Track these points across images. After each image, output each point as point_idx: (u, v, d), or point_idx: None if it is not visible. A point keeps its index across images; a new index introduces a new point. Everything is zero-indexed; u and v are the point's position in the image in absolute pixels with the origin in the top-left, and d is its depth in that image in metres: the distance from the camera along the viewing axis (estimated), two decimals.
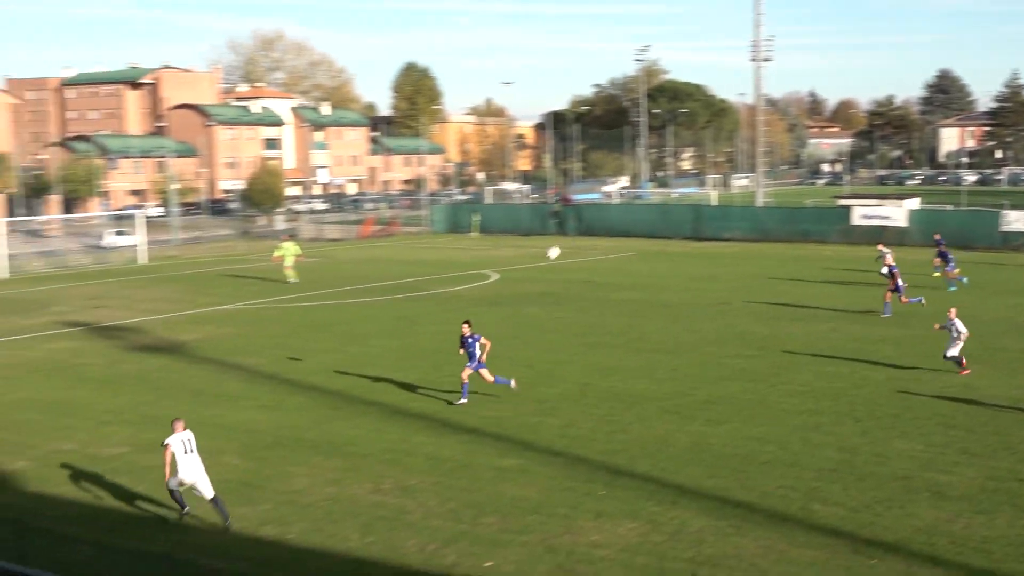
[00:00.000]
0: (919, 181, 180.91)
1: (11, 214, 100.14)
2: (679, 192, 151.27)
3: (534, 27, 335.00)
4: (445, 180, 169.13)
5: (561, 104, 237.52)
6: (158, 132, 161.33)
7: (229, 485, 20.67)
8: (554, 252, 23.34)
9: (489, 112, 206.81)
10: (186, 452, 18.82)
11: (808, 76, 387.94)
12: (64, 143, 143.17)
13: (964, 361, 29.41)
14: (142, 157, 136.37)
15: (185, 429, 19.21)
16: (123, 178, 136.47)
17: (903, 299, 40.00)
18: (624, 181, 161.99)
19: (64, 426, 25.76)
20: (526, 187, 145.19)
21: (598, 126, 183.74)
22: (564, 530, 17.97)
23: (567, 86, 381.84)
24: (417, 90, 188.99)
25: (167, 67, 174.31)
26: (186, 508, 19.04)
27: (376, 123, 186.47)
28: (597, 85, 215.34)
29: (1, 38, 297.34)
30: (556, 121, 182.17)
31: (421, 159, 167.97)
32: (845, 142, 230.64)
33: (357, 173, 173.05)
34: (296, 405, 27.34)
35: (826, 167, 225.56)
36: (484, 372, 27.16)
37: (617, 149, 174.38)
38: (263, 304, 47.17)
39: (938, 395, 26.98)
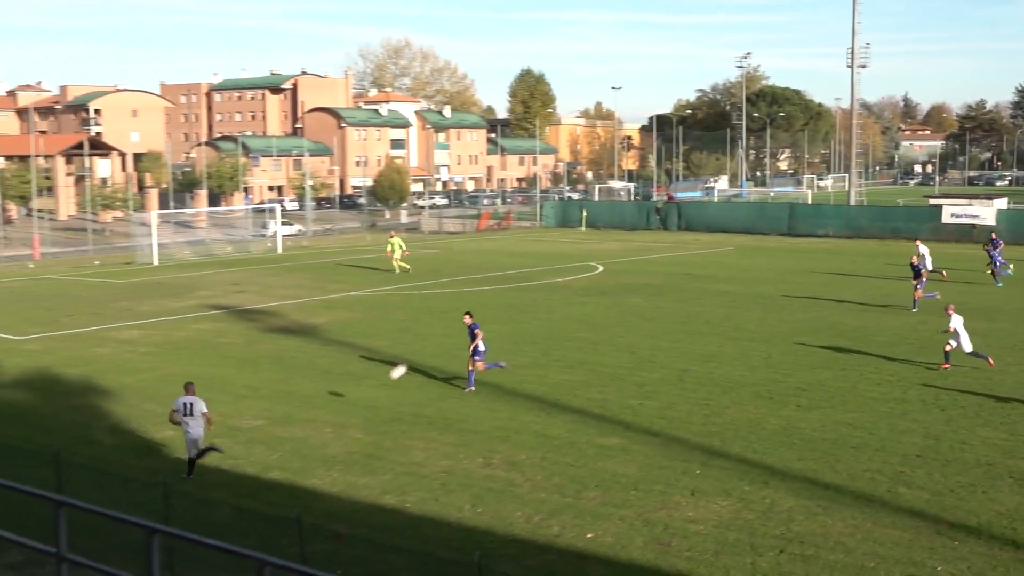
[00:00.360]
0: (1008, 182, 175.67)
1: (163, 207, 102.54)
2: (776, 191, 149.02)
3: (642, 35, 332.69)
4: (556, 178, 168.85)
5: (666, 108, 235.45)
6: (295, 133, 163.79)
7: (353, 456, 20.95)
8: (398, 372, 22.90)
9: (598, 115, 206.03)
10: (186, 414, 19.69)
11: (902, 81, 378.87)
12: (211, 143, 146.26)
13: (947, 357, 28.19)
14: (281, 156, 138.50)
15: (192, 394, 20.00)
16: (263, 175, 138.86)
17: (918, 293, 39.33)
18: (724, 180, 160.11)
19: (206, 399, 26.12)
20: (631, 185, 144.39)
21: (700, 128, 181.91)
22: (661, 505, 17.84)
23: (672, 91, 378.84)
24: (532, 94, 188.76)
25: (304, 74, 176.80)
26: (191, 475, 19.73)
27: (493, 125, 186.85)
28: (700, 90, 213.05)
29: (158, 47, 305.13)
30: (661, 123, 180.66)
31: (534, 159, 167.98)
32: (937, 144, 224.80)
33: (475, 171, 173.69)
34: (415, 384, 27.57)
35: (918, 168, 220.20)
36: (479, 362, 26.78)
37: (718, 150, 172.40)
38: (387, 291, 47.64)
39: (1023, 386, 26.18)
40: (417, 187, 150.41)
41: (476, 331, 26.85)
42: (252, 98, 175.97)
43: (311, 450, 21.48)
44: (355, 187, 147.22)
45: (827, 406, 24.53)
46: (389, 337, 35.05)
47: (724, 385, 26.84)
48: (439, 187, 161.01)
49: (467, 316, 27.85)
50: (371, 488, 18.98)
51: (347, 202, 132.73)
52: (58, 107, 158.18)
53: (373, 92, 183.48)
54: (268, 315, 40.90)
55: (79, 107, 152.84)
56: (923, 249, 46.24)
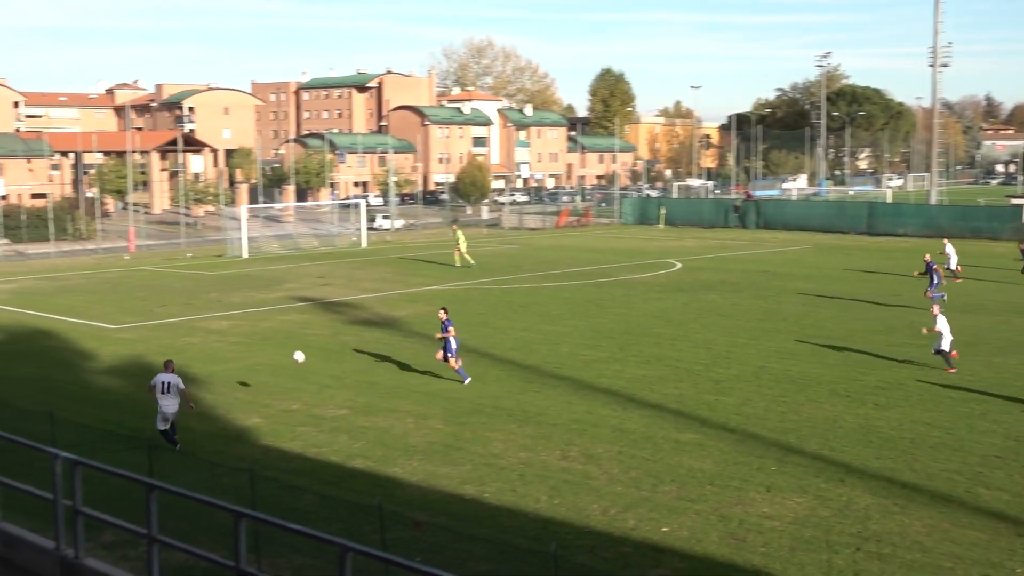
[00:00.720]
0: None
1: (252, 202, 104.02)
2: (855, 190, 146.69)
3: (722, 35, 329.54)
4: (635, 176, 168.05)
5: (745, 106, 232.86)
6: (380, 131, 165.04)
7: (434, 446, 21.04)
8: (299, 357, 24.97)
9: (678, 114, 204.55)
10: (163, 392, 20.57)
11: (985, 80, 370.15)
12: (299, 139, 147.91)
13: (951, 357, 27.48)
14: (366, 153, 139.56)
15: (171, 372, 20.91)
16: (349, 171, 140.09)
17: (928, 293, 38.61)
18: (802, 179, 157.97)
19: (292, 388, 26.64)
20: (710, 183, 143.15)
21: (779, 127, 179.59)
22: (736, 501, 17.66)
23: (751, 90, 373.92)
24: (612, 93, 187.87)
25: (390, 72, 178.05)
26: (177, 445, 20.39)
27: (574, 123, 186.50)
28: (780, 89, 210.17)
29: (250, 47, 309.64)
30: (740, 122, 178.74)
31: (613, 156, 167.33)
32: (1020, 144, 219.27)
33: (555, 169, 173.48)
34: (494, 377, 27.61)
35: (1000, 168, 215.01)
36: (452, 360, 26.86)
37: (796, 149, 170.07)
38: (467, 285, 47.79)
39: None
40: (498, 184, 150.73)
41: (449, 328, 26.93)
42: (339, 96, 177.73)
43: (393, 439, 21.62)
44: (438, 183, 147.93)
45: (905, 405, 24.07)
46: (468, 330, 35.13)
47: (801, 382, 26.48)
48: (519, 184, 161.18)
49: (443, 312, 27.95)
50: (451, 478, 19.04)
51: (429, 198, 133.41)
52: (154, 105, 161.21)
53: (456, 91, 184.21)
54: (352, 307, 41.26)
55: (174, 105, 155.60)
56: (949, 248, 47.69)
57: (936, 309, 28.44)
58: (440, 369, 28.59)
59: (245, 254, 65.89)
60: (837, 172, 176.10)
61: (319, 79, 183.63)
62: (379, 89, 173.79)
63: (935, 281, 39.14)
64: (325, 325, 36.76)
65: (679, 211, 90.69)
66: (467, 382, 26.62)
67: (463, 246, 56.05)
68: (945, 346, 27.50)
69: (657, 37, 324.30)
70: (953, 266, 46.97)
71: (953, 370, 27.28)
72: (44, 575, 13.58)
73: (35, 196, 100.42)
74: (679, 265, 55.11)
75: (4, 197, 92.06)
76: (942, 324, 27.55)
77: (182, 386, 21.22)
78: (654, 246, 67.91)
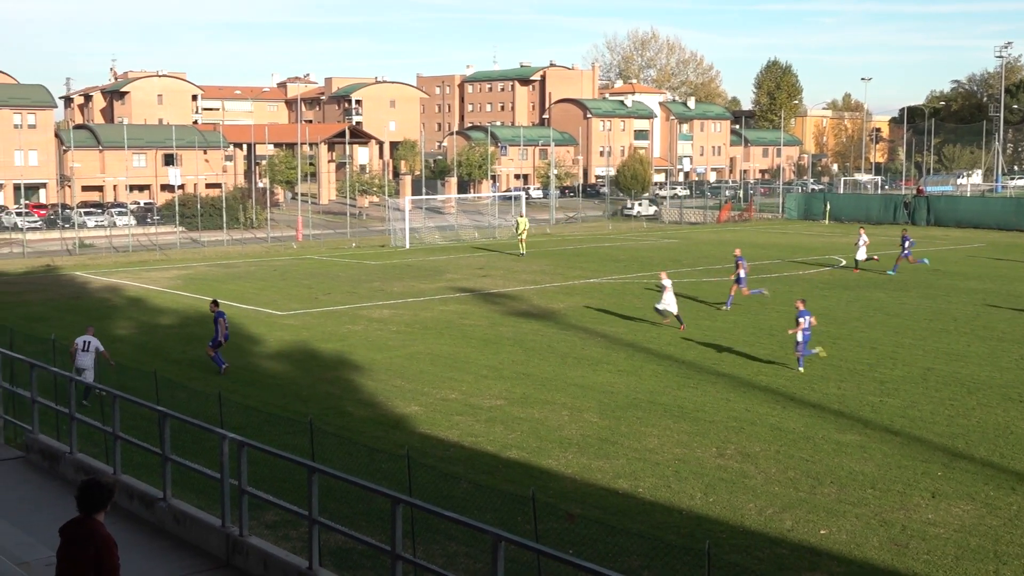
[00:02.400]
0: None
1: (416, 193, 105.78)
2: None
3: (895, 25, 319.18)
4: (800, 170, 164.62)
5: (918, 99, 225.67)
6: (542, 123, 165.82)
7: (588, 440, 21.05)
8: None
9: (846, 106, 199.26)
10: (83, 350, 23.70)
11: None
12: (463, 132, 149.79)
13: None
14: (527, 145, 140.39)
15: (92, 335, 24.20)
16: (510, 163, 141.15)
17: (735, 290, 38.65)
18: (977, 175, 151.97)
19: (450, 378, 27.01)
20: (879, 178, 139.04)
21: (954, 121, 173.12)
22: (899, 506, 17.14)
23: (925, 81, 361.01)
24: (778, 86, 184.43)
25: (553, 66, 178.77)
26: (86, 402, 21.97)
27: (738, 116, 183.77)
28: (955, 81, 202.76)
29: (416, 41, 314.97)
30: (912, 115, 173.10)
31: (778, 150, 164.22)
32: None
33: (718, 162, 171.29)
34: (651, 372, 27.45)
35: None
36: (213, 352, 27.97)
37: (972, 143, 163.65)
38: (626, 279, 47.62)
39: None
40: (659, 177, 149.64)
41: (220, 320, 27.80)
42: (502, 89, 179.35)
43: (548, 431, 21.71)
44: (598, 176, 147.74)
45: None
46: (625, 324, 35.04)
47: (971, 385, 25.50)
48: (681, 177, 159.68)
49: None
50: (604, 471, 19.02)
51: (590, 191, 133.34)
52: (323, 98, 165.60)
53: (619, 83, 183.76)
54: (510, 299, 41.59)
55: (342, 98, 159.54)
56: (863, 238, 49.90)
57: (800, 304, 28.02)
58: (596, 363, 28.60)
59: (407, 244, 67.10)
60: (1016, 168, 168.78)
61: (483, 72, 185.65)
62: (542, 82, 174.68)
63: (741, 278, 38.26)
64: (483, 316, 37.15)
65: (845, 206, 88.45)
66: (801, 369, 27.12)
67: (524, 234, 59.66)
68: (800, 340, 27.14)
69: (826, 28, 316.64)
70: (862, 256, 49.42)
71: (801, 371, 27.02)
72: (211, 551, 14.12)
73: (209, 186, 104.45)
74: (844, 262, 53.74)
75: (181, 187, 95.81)
76: (804, 318, 27.19)
77: (101, 348, 24.15)
78: (818, 242, 66.39)
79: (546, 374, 27.33)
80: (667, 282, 33.74)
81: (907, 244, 48.37)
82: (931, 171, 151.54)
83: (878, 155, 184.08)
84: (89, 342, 23.97)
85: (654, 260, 54.96)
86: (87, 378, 22.90)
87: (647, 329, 34.02)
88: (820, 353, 27.80)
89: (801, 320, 27.20)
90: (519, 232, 61.02)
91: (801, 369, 27.09)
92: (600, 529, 15.78)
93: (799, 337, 27.09)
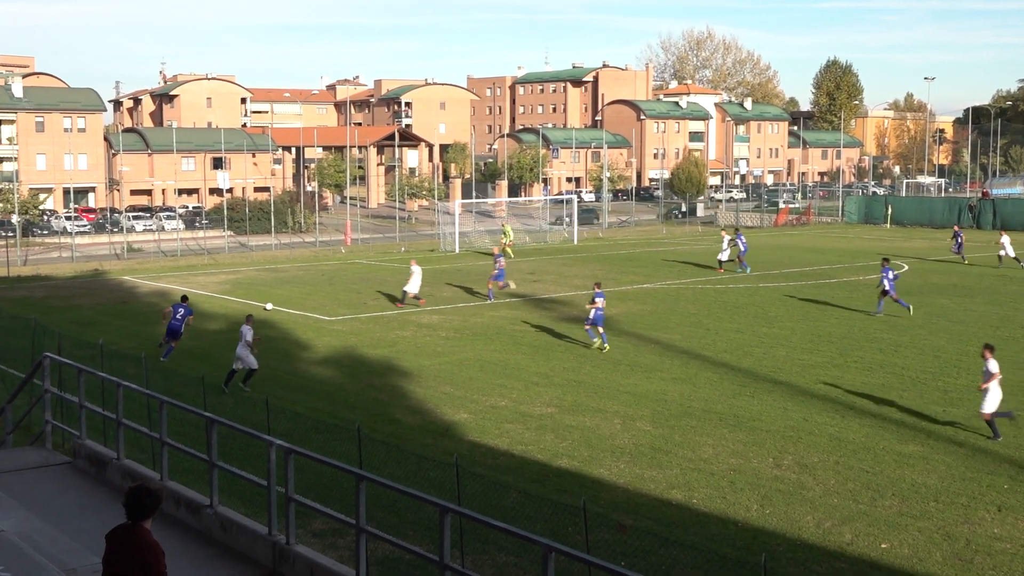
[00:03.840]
0: None
1: (466, 196, 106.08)
2: None
3: (959, 23, 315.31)
4: (860, 173, 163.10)
5: (984, 99, 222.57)
6: (595, 125, 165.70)
7: (641, 449, 20.96)
8: (269, 306, 37.89)
9: (909, 107, 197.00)
10: (244, 343, 26.25)
11: None
12: (513, 134, 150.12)
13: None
14: (579, 148, 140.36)
15: (249, 324, 26.75)
16: (562, 166, 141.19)
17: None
18: None
19: (500, 384, 27.03)
20: (942, 181, 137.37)
21: (1021, 121, 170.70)
22: (963, 519, 16.89)
23: (991, 81, 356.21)
24: (838, 86, 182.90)
25: (606, 66, 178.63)
26: (246, 388, 24.24)
27: (796, 117, 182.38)
28: (1023, 80, 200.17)
29: (467, 43, 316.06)
30: (977, 116, 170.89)
31: (838, 152, 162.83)
32: None
33: (775, 165, 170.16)
34: (705, 379, 27.30)
35: None
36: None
37: None
38: (680, 284, 47.40)
39: None
40: (715, 180, 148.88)
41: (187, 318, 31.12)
42: (554, 91, 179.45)
43: (599, 440, 21.65)
44: (652, 179, 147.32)
45: None
46: (680, 331, 34.89)
47: None
48: (737, 180, 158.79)
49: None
50: (657, 481, 18.94)
51: (643, 194, 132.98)
52: (372, 100, 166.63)
53: (673, 84, 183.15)
54: (561, 304, 41.55)
55: (391, 100, 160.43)
56: (735, 240, 52.05)
57: (597, 287, 32.27)
58: (649, 370, 28.50)
59: (457, 249, 67.27)
60: None
61: (534, 73, 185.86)
62: (595, 83, 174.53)
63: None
64: (534, 321, 37.15)
65: (907, 210, 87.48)
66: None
67: (510, 237, 62.01)
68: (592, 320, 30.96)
69: (888, 26, 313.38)
70: (722, 256, 52.32)
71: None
72: (257, 559, 14.22)
73: (258, 189, 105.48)
74: (906, 267, 53.14)
75: (230, 190, 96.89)
76: (599, 300, 31.26)
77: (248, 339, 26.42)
78: (880, 246, 65.72)
79: (598, 381, 27.27)
80: (416, 268, 41.03)
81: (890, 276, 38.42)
82: (997, 173, 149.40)
83: (942, 157, 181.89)
84: (243, 333, 26.48)
85: (710, 264, 54.63)
86: (250, 363, 26.24)
87: (702, 335, 33.85)
88: (599, 346, 31.04)
89: (598, 300, 31.01)
90: (506, 238, 62.96)
91: (606, 346, 31.18)
92: (653, 540, 15.69)
93: (591, 315, 30.98)
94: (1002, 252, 53.03)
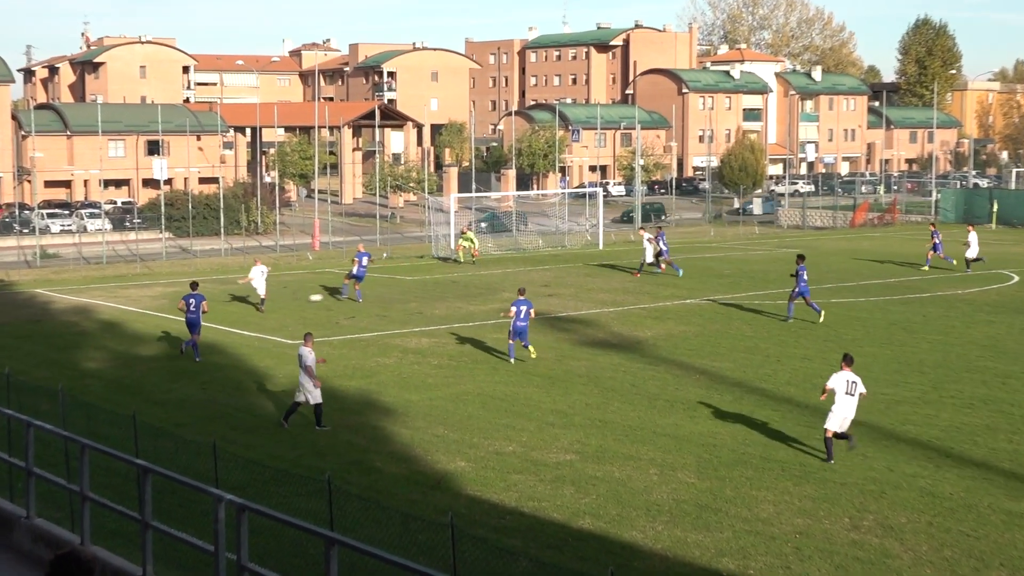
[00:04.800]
0: None
1: (463, 189, 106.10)
2: None
3: None
4: (959, 159, 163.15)
5: None
6: (625, 100, 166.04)
7: (683, 506, 20.93)
8: (316, 297, 36.73)
9: (1019, 77, 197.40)
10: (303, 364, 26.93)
11: None
12: (523, 112, 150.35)
13: None
14: (606, 128, 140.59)
15: (309, 346, 27.14)
16: (584, 152, 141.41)
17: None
18: None
19: (507, 425, 27.01)
20: None
21: None
22: None
23: None
24: (930, 51, 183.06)
25: (638, 27, 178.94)
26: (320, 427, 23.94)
27: (877, 91, 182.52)
28: None
29: None
30: None
31: (930, 134, 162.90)
32: None
33: (851, 150, 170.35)
34: (765, 418, 27.26)
35: None
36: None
37: None
38: (733, 299, 47.37)
39: None
40: (775, 169, 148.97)
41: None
42: (573, 57, 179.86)
43: (631, 495, 21.62)
44: (696, 168, 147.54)
45: None
46: (732, 358, 34.86)
47: None
48: (804, 169, 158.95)
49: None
50: (704, 547, 18.91)
51: (686, 186, 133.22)
52: (346, 69, 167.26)
53: (723, 49, 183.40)
54: (583, 324, 41.54)
55: (370, 69, 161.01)
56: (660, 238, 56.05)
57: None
58: (693, 407, 28.49)
59: (454, 254, 67.27)
60: None
61: (549, 36, 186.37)
62: (624, 48, 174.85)
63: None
64: (549, 346, 37.14)
65: (1018, 206, 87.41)
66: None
67: (467, 244, 63.30)
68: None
69: None
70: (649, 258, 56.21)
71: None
72: None
73: (204, 181, 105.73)
74: (1016, 278, 53.09)
75: (168, 182, 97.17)
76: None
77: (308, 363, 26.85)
78: (983, 252, 65.64)
79: (629, 421, 27.24)
80: (260, 268, 45.69)
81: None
82: None
83: None
84: (301, 356, 26.98)
85: (767, 276, 54.64)
86: (312, 397, 26.66)
87: (760, 363, 33.83)
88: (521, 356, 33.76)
89: (513, 308, 34.14)
90: (468, 244, 63.73)
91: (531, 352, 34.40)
92: None
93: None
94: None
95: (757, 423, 26.90)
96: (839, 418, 23.68)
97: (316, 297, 41.18)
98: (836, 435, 23.64)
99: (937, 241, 57.42)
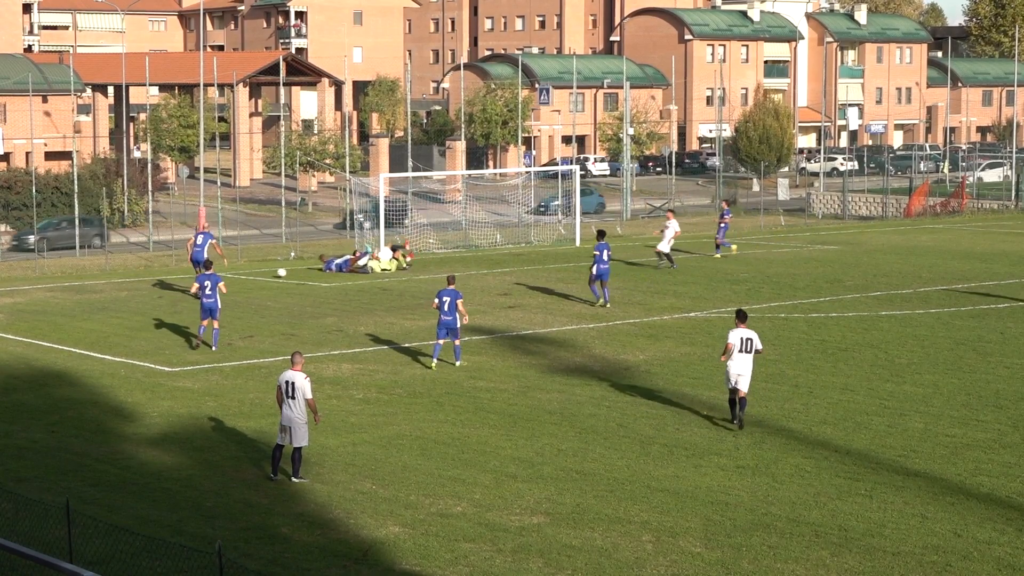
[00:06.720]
0: None
1: (396, 167, 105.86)
2: None
3: None
4: None
5: None
6: (609, 50, 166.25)
7: None
8: (283, 272, 38.63)
9: None
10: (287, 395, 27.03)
11: None
12: (475, 65, 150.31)
13: None
14: (585, 87, 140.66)
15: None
16: (555, 117, 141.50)
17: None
18: None
19: (454, 478, 26.99)
20: None
21: None
22: None
23: None
24: None
25: None
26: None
27: (940, 38, 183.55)
28: None
29: None
30: None
31: (1010, 94, 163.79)
32: None
33: (906, 115, 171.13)
34: (793, 467, 27.35)
35: None
36: None
37: None
38: (751, 311, 47.43)
39: None
40: (806, 140, 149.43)
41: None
42: None
43: (617, 569, 21.66)
44: (703, 139, 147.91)
45: None
46: (751, 387, 34.91)
47: None
48: (844, 141, 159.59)
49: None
50: None
51: (689, 163, 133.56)
52: (241, 10, 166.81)
53: None
54: (553, 345, 41.57)
55: (273, 9, 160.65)
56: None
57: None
58: (699, 453, 28.56)
59: (382, 252, 67.14)
60: None
61: None
62: None
63: None
64: (510, 374, 37.17)
65: None
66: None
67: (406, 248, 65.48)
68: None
69: None
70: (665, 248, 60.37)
71: None
72: None
73: (52, 156, 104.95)
74: None
75: (4, 158, 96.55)
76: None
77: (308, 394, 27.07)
78: None
79: (615, 472, 27.29)
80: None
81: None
82: None
83: None
84: (294, 385, 27.17)
85: (797, 280, 54.81)
86: (297, 438, 26.93)
87: (787, 395, 33.93)
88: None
89: (436, 299, 37.21)
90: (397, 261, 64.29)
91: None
92: None
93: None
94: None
95: (783, 474, 26.99)
96: (733, 374, 30.39)
97: (283, 272, 42.49)
98: (730, 400, 30.65)
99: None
